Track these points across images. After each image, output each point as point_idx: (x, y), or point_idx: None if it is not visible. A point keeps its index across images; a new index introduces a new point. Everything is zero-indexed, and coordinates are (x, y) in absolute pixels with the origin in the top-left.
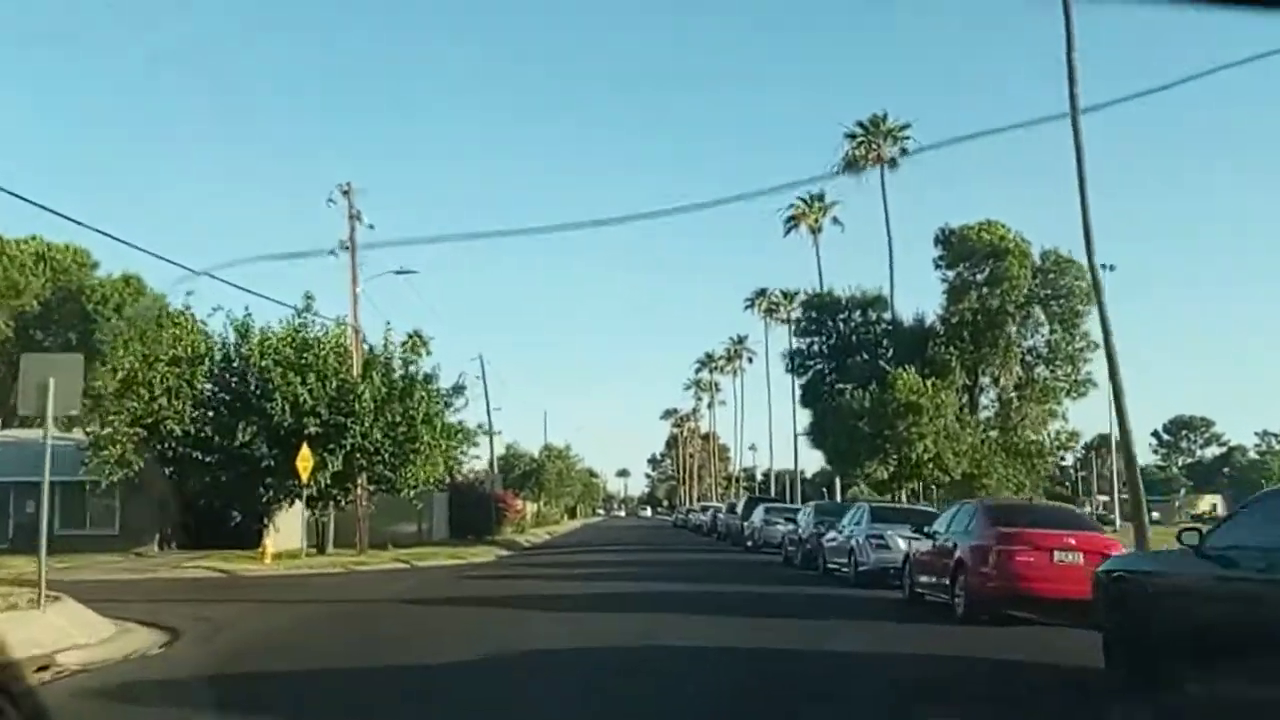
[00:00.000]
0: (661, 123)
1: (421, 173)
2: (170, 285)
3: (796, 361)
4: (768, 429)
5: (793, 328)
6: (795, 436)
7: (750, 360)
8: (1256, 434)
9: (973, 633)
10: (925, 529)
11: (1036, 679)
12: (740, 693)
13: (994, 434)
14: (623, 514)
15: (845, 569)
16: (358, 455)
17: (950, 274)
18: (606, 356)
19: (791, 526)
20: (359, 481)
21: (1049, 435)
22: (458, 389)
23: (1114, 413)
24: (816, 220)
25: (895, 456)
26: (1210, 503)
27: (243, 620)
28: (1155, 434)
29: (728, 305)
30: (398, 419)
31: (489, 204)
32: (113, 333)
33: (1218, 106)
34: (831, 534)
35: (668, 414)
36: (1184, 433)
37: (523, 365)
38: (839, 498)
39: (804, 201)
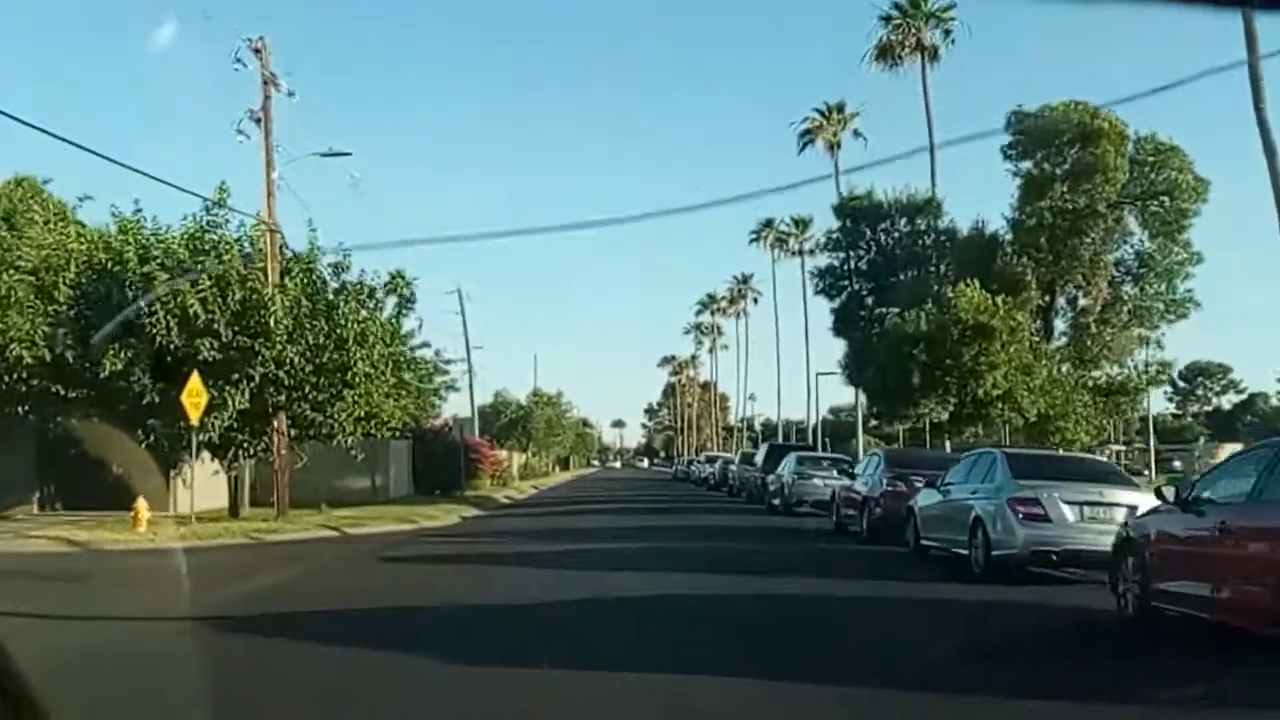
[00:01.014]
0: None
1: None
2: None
3: (828, 281)
4: (775, 372)
5: (821, 241)
6: (812, 376)
7: (756, 301)
8: (1278, 380)
9: None
10: (1183, 492)
11: None
12: None
13: (1065, 367)
14: (618, 465)
15: (959, 549)
16: (271, 389)
17: (1026, 165)
18: (602, 302)
19: (844, 482)
20: (276, 424)
21: (1136, 367)
22: (403, 301)
23: None
24: (836, 134)
25: (958, 393)
26: (1231, 451)
27: None
28: (1170, 381)
29: (732, 244)
30: (322, 339)
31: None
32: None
33: None
34: (928, 495)
35: (665, 361)
36: (1200, 380)
37: (513, 310)
38: (860, 448)
39: (820, 113)
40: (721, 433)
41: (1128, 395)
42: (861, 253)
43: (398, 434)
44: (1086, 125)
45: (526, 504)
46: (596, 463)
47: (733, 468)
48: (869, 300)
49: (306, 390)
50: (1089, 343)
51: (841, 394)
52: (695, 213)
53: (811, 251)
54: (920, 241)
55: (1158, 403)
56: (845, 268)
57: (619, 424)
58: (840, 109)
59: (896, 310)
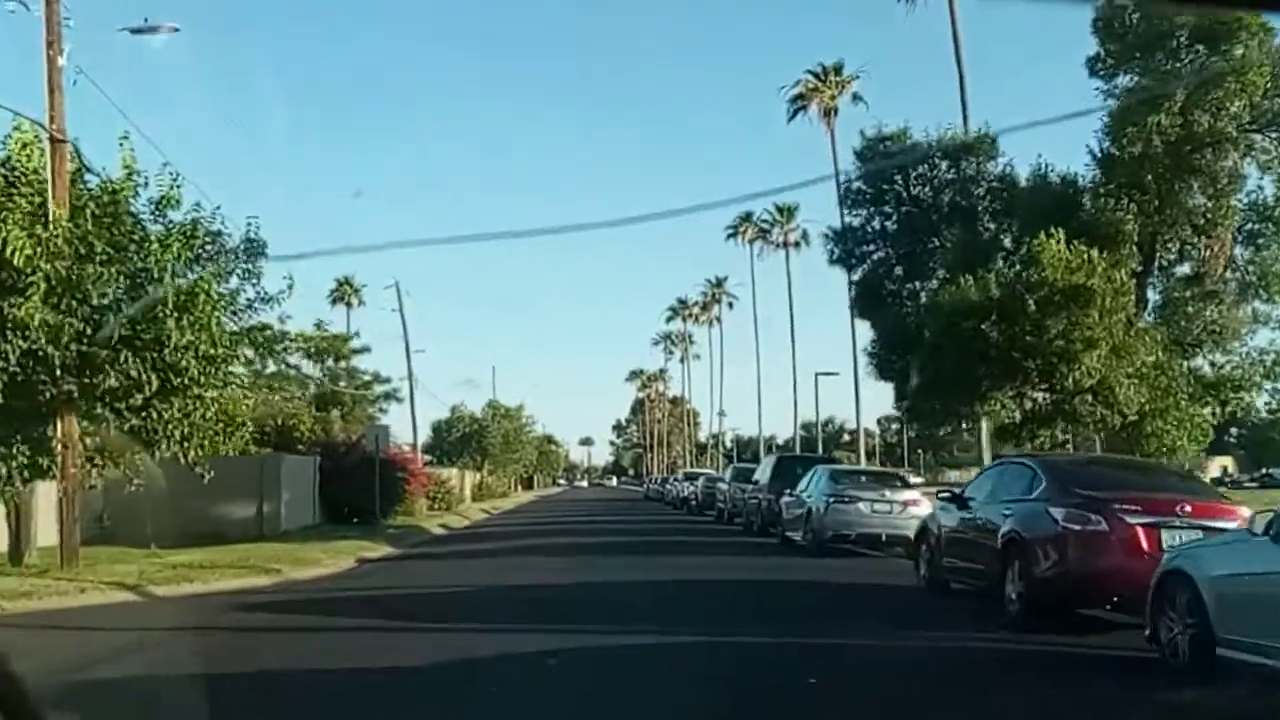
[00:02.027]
0: None
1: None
2: None
3: (847, 246)
4: (755, 380)
5: (840, 196)
6: (799, 379)
7: (731, 305)
8: (1267, 392)
9: None
10: None
11: None
12: None
13: (1158, 351)
14: (585, 485)
15: None
16: (41, 373)
17: (1122, 80)
18: (568, 316)
19: (932, 511)
20: (61, 427)
21: (1246, 356)
22: (252, 247)
23: None
24: (833, 97)
25: (1044, 381)
26: (1221, 465)
27: None
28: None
29: (706, 250)
30: (114, 298)
31: None
32: None
33: None
34: (1246, 552)
35: (634, 375)
36: None
37: (476, 323)
38: (864, 459)
39: (815, 76)
40: (693, 449)
41: (1238, 392)
42: (889, 210)
43: (297, 447)
44: (1212, 22)
45: (465, 537)
46: (563, 481)
47: (722, 486)
48: (898, 270)
49: (101, 379)
50: (1184, 322)
51: (824, 405)
52: (667, 215)
53: (797, 244)
54: (969, 191)
55: None
56: (870, 228)
57: (587, 442)
58: (839, 70)
59: (942, 277)
